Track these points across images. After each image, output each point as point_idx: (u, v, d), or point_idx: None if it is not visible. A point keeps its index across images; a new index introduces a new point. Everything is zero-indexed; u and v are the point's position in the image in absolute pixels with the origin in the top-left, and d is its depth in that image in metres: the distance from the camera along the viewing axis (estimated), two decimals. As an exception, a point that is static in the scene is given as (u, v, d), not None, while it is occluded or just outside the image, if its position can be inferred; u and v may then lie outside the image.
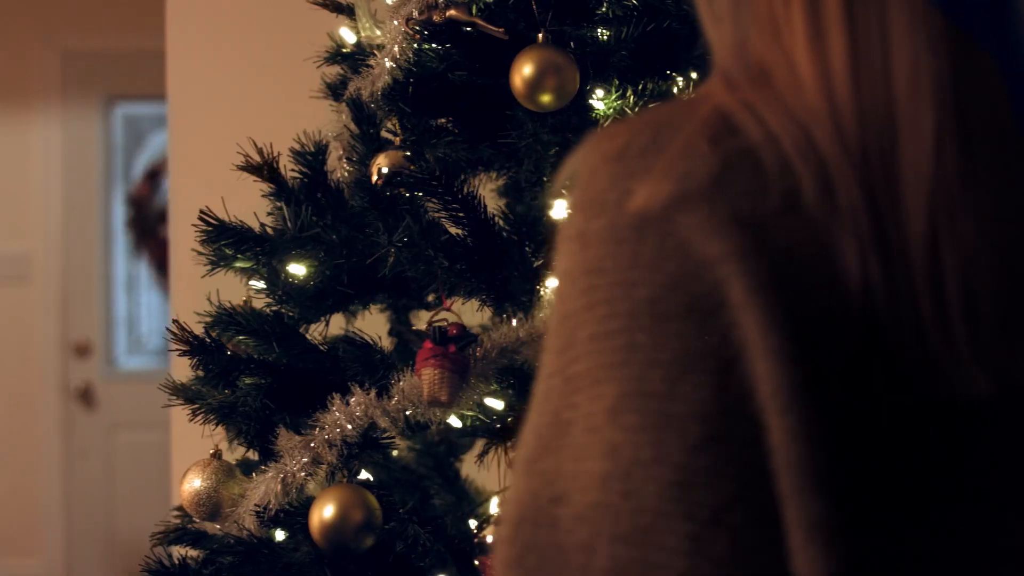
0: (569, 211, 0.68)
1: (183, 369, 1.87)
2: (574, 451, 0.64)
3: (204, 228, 1.34)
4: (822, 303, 0.64)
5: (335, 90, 1.51)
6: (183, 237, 1.89)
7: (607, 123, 1.32)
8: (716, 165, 0.65)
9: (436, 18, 1.30)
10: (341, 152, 1.42)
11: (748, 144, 0.66)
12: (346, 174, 1.40)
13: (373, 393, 1.20)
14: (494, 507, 1.35)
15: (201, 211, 1.35)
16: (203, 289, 1.88)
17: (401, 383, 1.20)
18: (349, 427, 1.20)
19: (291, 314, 1.36)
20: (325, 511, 1.19)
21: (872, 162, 0.67)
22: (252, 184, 1.84)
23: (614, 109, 1.34)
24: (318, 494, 1.21)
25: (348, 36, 1.49)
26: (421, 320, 1.54)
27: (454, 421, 1.34)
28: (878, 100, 0.67)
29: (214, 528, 1.34)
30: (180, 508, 1.42)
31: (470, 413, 1.28)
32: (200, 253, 1.40)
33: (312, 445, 1.22)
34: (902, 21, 0.68)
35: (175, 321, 1.30)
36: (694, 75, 1.38)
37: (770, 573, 0.64)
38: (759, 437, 0.63)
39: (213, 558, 1.32)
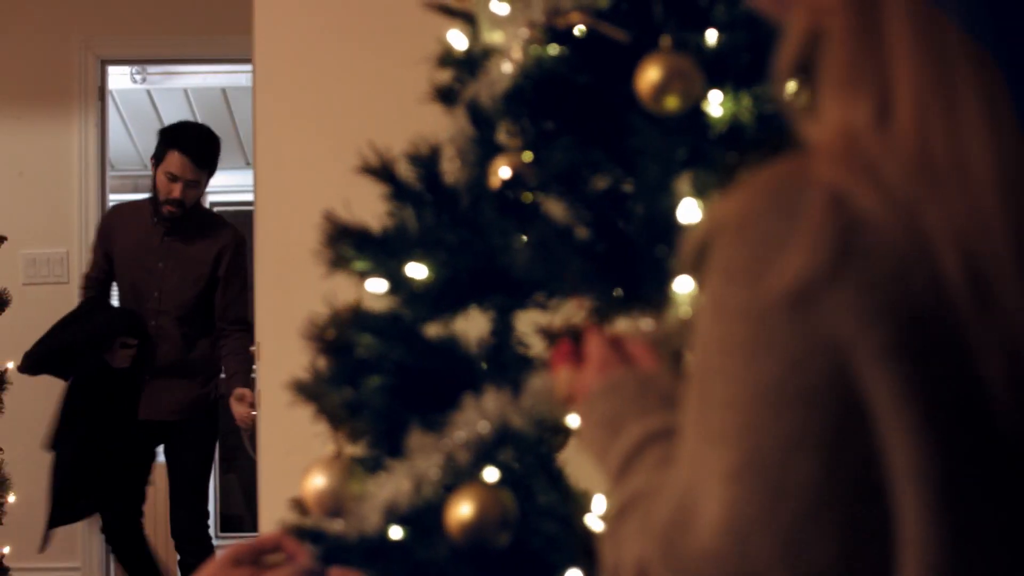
0: (708, 274, 0.76)
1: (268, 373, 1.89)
2: (702, 493, 0.74)
3: (327, 230, 1.37)
4: (951, 373, 0.70)
5: (444, 94, 1.53)
6: (270, 237, 1.91)
7: (723, 131, 1.34)
8: (848, 235, 0.72)
9: (559, 22, 1.32)
10: (452, 155, 1.44)
11: (875, 217, 0.71)
12: (459, 177, 1.43)
13: (508, 392, 1.22)
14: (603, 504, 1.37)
15: (325, 213, 1.37)
16: (288, 288, 1.90)
17: (533, 383, 1.22)
18: (484, 426, 1.22)
19: (410, 315, 1.38)
20: (462, 509, 1.21)
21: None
22: (341, 186, 1.86)
23: (729, 114, 1.36)
24: (454, 493, 1.23)
25: (458, 41, 1.51)
26: (522, 321, 1.55)
27: (575, 419, 1.36)
28: None
29: (334, 526, 1.36)
30: (297, 505, 1.44)
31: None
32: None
33: (445, 444, 1.24)
34: None
35: (309, 320, 1.33)
36: (803, 79, 1.40)
37: None
38: (874, 502, 0.71)
39: (336, 555, 1.34)
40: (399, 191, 1.41)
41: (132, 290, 4.21)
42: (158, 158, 4.13)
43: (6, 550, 4.30)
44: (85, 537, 4.76)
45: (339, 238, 1.37)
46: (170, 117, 5.62)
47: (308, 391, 1.38)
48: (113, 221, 4.31)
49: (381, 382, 1.31)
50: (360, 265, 1.39)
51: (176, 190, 4.08)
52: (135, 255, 4.20)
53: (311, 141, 1.90)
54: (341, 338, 1.35)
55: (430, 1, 1.48)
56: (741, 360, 0.73)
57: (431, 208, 1.38)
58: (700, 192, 1.26)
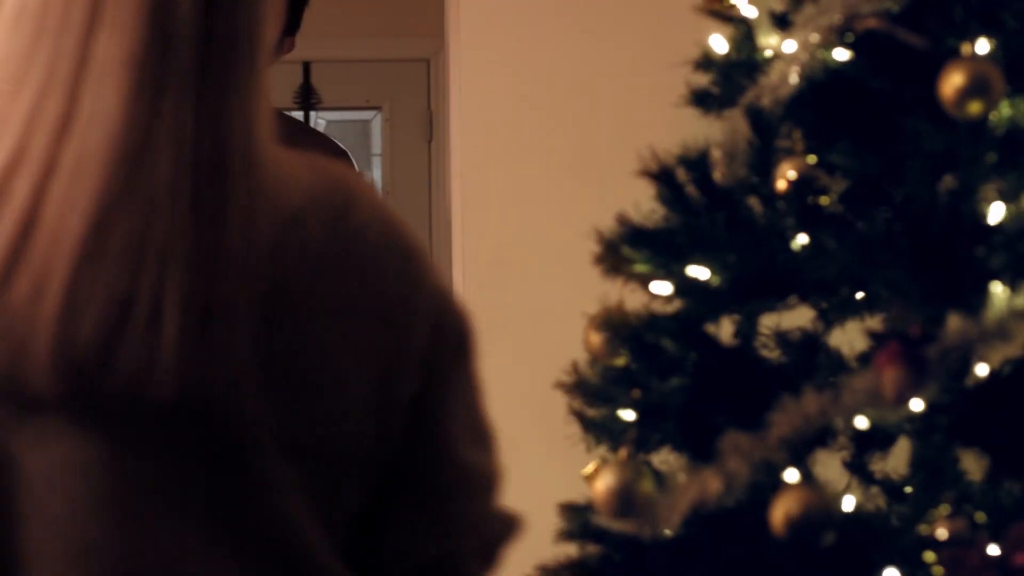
0: None
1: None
2: None
3: (617, 232, 1.38)
4: None
5: (701, 97, 1.54)
6: (475, 242, 1.92)
7: (1001, 134, 1.35)
8: None
9: (856, 27, 1.34)
10: (722, 159, 1.46)
11: None
12: (731, 180, 1.44)
13: (829, 393, 1.23)
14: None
15: (618, 215, 1.38)
16: (496, 292, 1.91)
17: (856, 383, 1.24)
18: (804, 427, 1.23)
19: (691, 316, 1.39)
20: (788, 508, 1.22)
21: None
22: (541, 196, 1.88)
23: (1008, 119, 1.37)
24: (779, 494, 1.24)
25: (718, 45, 1.52)
26: (768, 322, 1.56)
27: (860, 420, 1.37)
28: None
29: (625, 526, 1.38)
30: (572, 506, 1.45)
31: (886, 413, 1.31)
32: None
33: (763, 444, 1.25)
34: None
35: (621, 322, 1.34)
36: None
37: None
38: None
39: (628, 555, 1.36)
40: (676, 195, 1.42)
41: None
42: None
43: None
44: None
45: (627, 241, 1.38)
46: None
47: (592, 392, 1.39)
48: None
49: (682, 383, 1.33)
50: (642, 267, 1.40)
51: None
52: None
53: (513, 142, 1.91)
54: (635, 339, 1.36)
55: (700, 6, 1.49)
56: None
57: (711, 211, 1.39)
58: (1008, 196, 1.28)
